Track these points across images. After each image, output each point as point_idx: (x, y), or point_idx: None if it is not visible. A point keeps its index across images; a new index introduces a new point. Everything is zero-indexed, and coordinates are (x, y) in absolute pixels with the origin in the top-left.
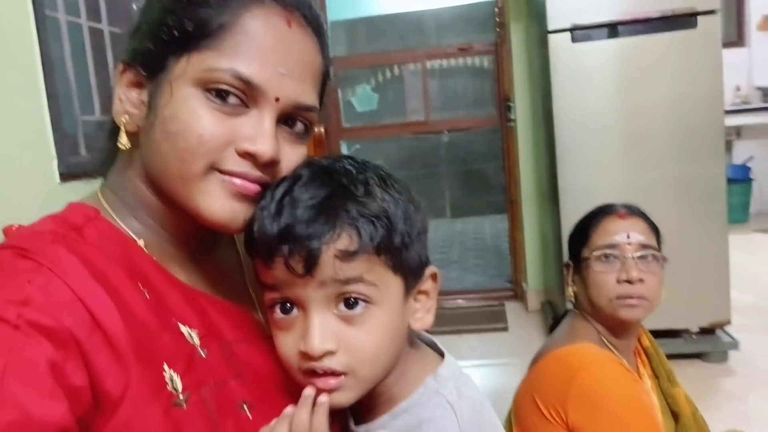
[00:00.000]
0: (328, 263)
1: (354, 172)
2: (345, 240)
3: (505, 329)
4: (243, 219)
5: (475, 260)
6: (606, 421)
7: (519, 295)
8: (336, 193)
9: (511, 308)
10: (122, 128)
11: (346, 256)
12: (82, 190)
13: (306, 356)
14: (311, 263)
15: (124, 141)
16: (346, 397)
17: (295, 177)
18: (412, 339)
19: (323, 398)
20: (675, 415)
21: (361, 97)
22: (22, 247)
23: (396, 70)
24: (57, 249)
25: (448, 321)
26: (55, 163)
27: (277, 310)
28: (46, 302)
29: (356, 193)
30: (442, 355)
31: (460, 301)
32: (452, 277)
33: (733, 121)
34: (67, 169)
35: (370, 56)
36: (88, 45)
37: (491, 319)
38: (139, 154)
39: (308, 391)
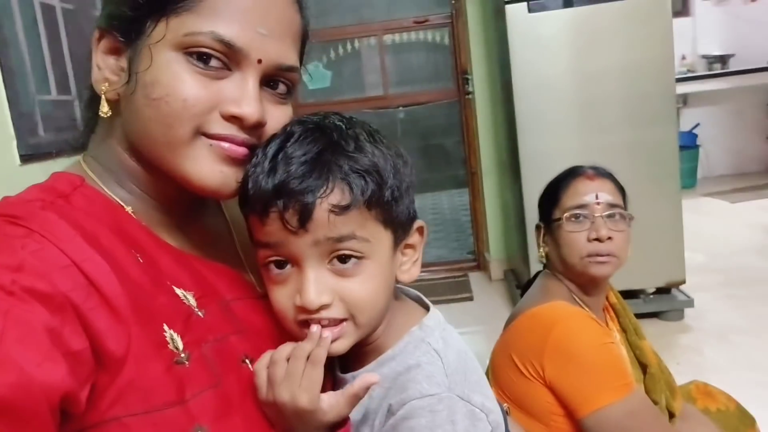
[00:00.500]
0: (322, 217)
1: (344, 127)
2: (337, 194)
3: (470, 299)
4: (234, 183)
5: (435, 234)
6: (581, 373)
7: (482, 266)
8: (328, 149)
9: (475, 278)
10: (102, 96)
11: (339, 209)
12: (44, 171)
13: (302, 309)
14: (305, 217)
15: (105, 110)
16: (342, 344)
17: (287, 134)
18: (397, 293)
19: (326, 333)
20: (643, 366)
21: (313, 75)
22: (10, 215)
23: (349, 46)
24: (47, 215)
25: None
26: (14, 143)
27: (272, 266)
28: (41, 268)
29: (347, 148)
30: (427, 309)
31: (424, 274)
32: None
33: (679, 89)
34: (26, 151)
35: (323, 30)
36: (40, 22)
37: (456, 290)
38: (120, 121)
39: (315, 329)
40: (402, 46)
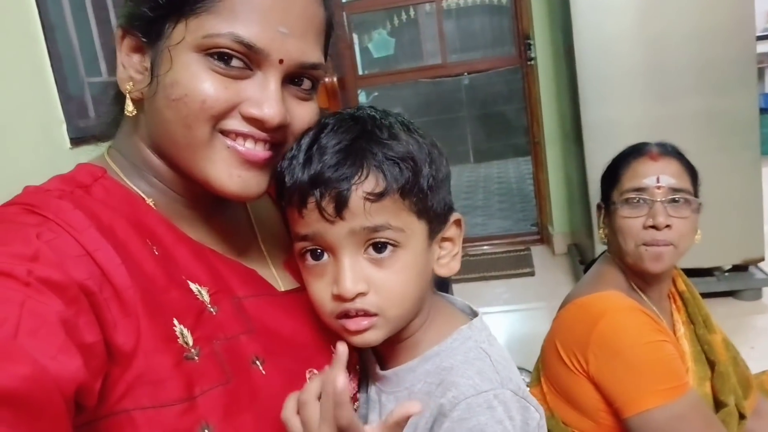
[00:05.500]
0: (358, 205)
1: (378, 117)
2: (372, 181)
3: (532, 274)
4: (255, 188)
5: (499, 205)
6: (625, 371)
7: (545, 239)
8: (361, 137)
9: (537, 252)
10: (127, 96)
11: (374, 197)
12: (94, 154)
13: (339, 298)
14: (341, 205)
15: (130, 109)
16: (375, 336)
17: (321, 126)
18: (444, 298)
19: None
20: (711, 363)
21: (378, 43)
22: (28, 203)
23: (411, 12)
24: (63, 204)
25: (474, 267)
26: (64, 127)
27: (308, 257)
28: (56, 257)
29: (381, 136)
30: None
31: (486, 247)
32: (477, 222)
33: (763, 48)
34: (76, 133)
35: None
36: (89, 4)
37: (517, 264)
38: (145, 119)
39: (342, 348)
40: (462, 10)
